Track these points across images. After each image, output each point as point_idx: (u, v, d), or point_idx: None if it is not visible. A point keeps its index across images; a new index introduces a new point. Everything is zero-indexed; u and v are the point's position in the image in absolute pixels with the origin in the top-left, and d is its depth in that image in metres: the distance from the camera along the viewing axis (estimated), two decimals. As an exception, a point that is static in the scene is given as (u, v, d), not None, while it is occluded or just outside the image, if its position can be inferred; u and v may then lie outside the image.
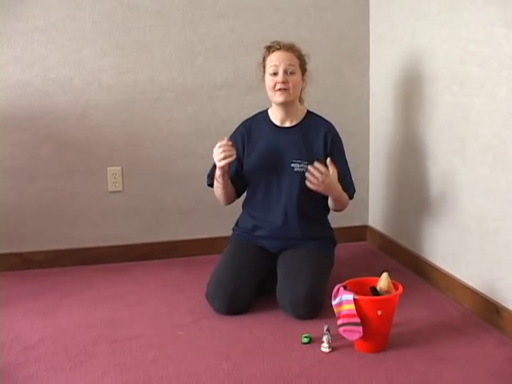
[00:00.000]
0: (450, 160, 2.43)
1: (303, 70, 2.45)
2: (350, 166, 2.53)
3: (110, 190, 2.96)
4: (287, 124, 2.50)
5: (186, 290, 2.58)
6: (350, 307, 1.96)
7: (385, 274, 2.05)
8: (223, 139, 2.36)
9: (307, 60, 2.47)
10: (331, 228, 2.61)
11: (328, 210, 2.56)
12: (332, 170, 2.31)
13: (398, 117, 2.86)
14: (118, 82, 2.89)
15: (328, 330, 2.02)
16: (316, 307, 2.26)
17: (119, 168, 2.95)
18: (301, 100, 2.54)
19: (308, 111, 2.53)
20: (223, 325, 2.23)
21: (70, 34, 2.81)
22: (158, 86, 2.93)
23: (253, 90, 2.92)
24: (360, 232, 3.24)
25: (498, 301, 2.15)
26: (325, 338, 2.01)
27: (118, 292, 2.59)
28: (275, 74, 2.40)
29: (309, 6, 3.01)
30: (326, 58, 3.04)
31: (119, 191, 2.97)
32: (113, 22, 2.84)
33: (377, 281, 2.07)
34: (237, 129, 2.57)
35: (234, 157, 2.35)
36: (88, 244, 2.97)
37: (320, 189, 2.31)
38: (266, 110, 2.56)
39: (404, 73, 2.77)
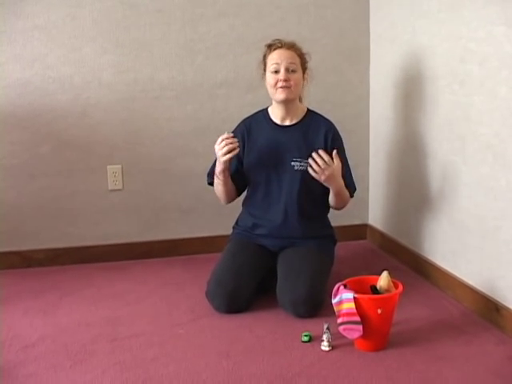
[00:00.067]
0: (450, 159, 2.43)
1: (304, 68, 2.45)
2: (350, 164, 2.53)
3: (109, 188, 2.96)
4: (287, 122, 2.50)
5: (186, 289, 2.58)
6: (350, 306, 1.96)
7: (385, 273, 2.05)
8: (223, 135, 2.36)
9: (308, 58, 2.47)
10: (331, 226, 2.61)
11: (328, 208, 2.56)
12: (336, 162, 2.32)
13: (398, 115, 2.86)
14: (118, 80, 2.89)
15: (328, 328, 2.02)
16: (316, 306, 2.26)
17: (119, 166, 2.95)
18: (300, 99, 2.54)
19: (308, 109, 2.53)
20: (223, 323, 2.23)
21: (69, 32, 2.81)
22: (158, 84, 2.93)
23: (253, 89, 2.92)
24: (360, 230, 3.24)
25: (498, 299, 2.15)
26: (325, 337, 2.02)
27: (117, 290, 2.59)
28: (276, 72, 2.39)
29: (309, 5, 3.01)
30: (326, 56, 3.04)
31: (119, 189, 2.97)
32: (113, 20, 2.84)
33: (377, 279, 2.07)
34: (237, 127, 2.57)
35: (238, 150, 2.35)
36: (88, 242, 2.97)
37: (322, 178, 2.31)
38: (266, 109, 2.55)
39: (404, 71, 2.77)
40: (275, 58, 2.40)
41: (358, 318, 1.95)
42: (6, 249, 2.87)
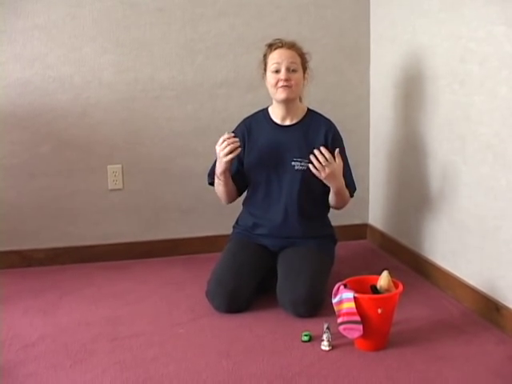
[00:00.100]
0: (450, 158, 2.43)
1: (304, 68, 2.45)
2: (350, 164, 2.53)
3: (110, 188, 2.96)
4: (287, 122, 2.50)
5: (186, 288, 2.58)
6: (350, 305, 1.96)
7: (385, 273, 2.05)
8: (225, 133, 2.37)
9: (308, 58, 2.47)
10: (331, 226, 2.61)
11: (328, 208, 2.56)
12: (338, 161, 2.32)
13: (398, 115, 2.86)
14: (119, 80, 2.89)
15: (328, 328, 2.02)
16: (316, 305, 2.26)
17: (119, 166, 2.95)
18: (300, 98, 2.54)
19: (308, 109, 2.53)
20: (223, 323, 2.23)
21: (70, 32, 2.81)
22: (158, 84, 2.93)
23: (253, 88, 2.92)
24: (360, 230, 3.24)
25: (498, 299, 2.15)
26: (325, 337, 2.02)
27: (118, 290, 2.59)
28: (277, 71, 2.39)
29: (309, 5, 3.00)
30: (326, 56, 3.04)
31: (119, 189, 2.97)
32: (113, 19, 2.84)
33: (377, 279, 2.07)
34: (237, 127, 2.57)
35: (240, 150, 2.35)
36: (88, 242, 2.97)
37: (322, 175, 2.31)
38: (267, 108, 2.55)
39: (404, 71, 2.77)
40: (276, 58, 2.40)
41: (358, 318, 1.95)
42: (6, 248, 2.88)
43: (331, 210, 2.58)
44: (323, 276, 2.38)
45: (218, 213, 2.97)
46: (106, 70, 2.87)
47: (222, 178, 2.43)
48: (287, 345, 2.05)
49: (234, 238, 2.57)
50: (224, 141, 2.34)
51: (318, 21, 3.02)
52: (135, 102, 2.92)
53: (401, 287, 2.02)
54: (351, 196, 2.53)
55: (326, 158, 2.28)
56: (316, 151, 2.29)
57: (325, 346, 2.01)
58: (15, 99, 2.81)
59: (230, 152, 2.33)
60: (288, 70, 2.38)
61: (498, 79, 2.09)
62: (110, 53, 2.86)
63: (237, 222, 2.62)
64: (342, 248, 2.78)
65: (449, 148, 2.43)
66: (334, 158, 2.32)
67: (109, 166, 2.94)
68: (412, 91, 2.71)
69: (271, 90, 2.43)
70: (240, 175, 2.52)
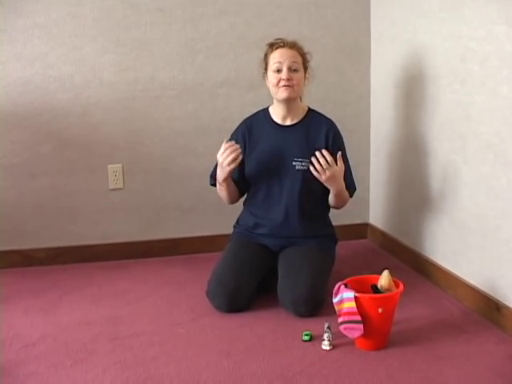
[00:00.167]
0: (450, 158, 2.43)
1: (305, 67, 2.45)
2: (350, 163, 2.53)
3: (110, 187, 2.96)
4: (288, 122, 2.50)
5: (187, 288, 2.58)
6: (350, 305, 1.96)
7: (386, 272, 2.05)
8: (224, 141, 2.36)
9: (309, 58, 2.47)
10: (332, 226, 2.61)
11: (329, 208, 2.56)
12: (340, 165, 2.32)
13: (399, 115, 2.86)
14: (119, 79, 2.89)
15: (329, 327, 2.02)
16: (317, 305, 2.26)
17: (120, 166, 2.95)
18: (300, 98, 2.54)
19: (309, 109, 2.53)
20: (224, 322, 2.23)
21: (70, 31, 2.81)
22: (158, 83, 2.93)
23: (254, 88, 2.92)
24: (361, 230, 3.24)
25: (499, 299, 2.15)
26: (325, 336, 2.01)
27: (118, 289, 2.59)
28: (279, 70, 2.39)
29: (310, 4, 3.00)
30: (326, 55, 3.03)
31: (120, 189, 2.97)
32: (113, 19, 2.83)
33: (378, 279, 2.06)
34: (238, 127, 2.57)
35: (241, 157, 2.34)
36: (88, 241, 2.97)
37: (323, 177, 2.31)
38: (267, 108, 2.55)
39: (405, 71, 2.76)
40: (277, 57, 2.39)
41: (358, 318, 1.95)
42: (6, 247, 2.88)
43: (332, 209, 2.57)
44: (324, 275, 2.38)
45: (219, 212, 2.97)
46: (107, 70, 2.87)
47: (224, 184, 2.43)
48: (288, 344, 2.05)
49: (234, 237, 2.57)
50: (225, 149, 2.33)
51: (319, 20, 3.02)
52: (136, 101, 2.92)
53: (401, 287, 2.02)
54: (351, 196, 2.53)
55: (327, 161, 2.28)
56: (317, 153, 2.29)
57: (325, 345, 2.01)
58: (16, 98, 2.81)
59: (233, 160, 2.33)
60: (290, 69, 2.38)
61: (498, 78, 2.09)
62: (111, 52, 2.86)
63: (237, 222, 2.62)
64: (342, 247, 2.78)
65: (449, 147, 2.43)
66: (336, 160, 2.31)
67: (109, 166, 2.94)
68: (412, 91, 2.71)
69: (272, 89, 2.43)
70: (242, 178, 2.51)
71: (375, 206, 3.19)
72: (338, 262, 2.61)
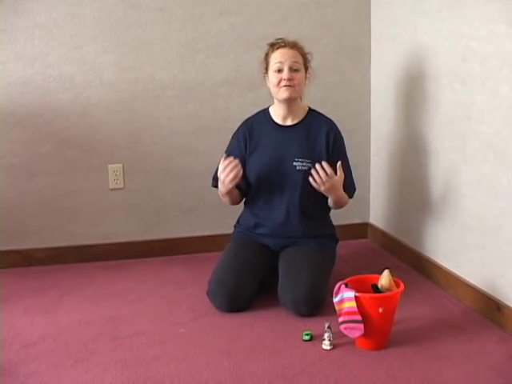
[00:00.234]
0: (451, 158, 2.42)
1: (306, 67, 2.45)
2: (351, 163, 2.53)
3: (110, 187, 2.96)
4: (289, 122, 2.49)
5: (187, 288, 2.58)
6: (351, 305, 1.96)
7: (386, 272, 2.05)
8: (222, 157, 2.34)
9: (310, 58, 2.46)
10: (333, 225, 2.61)
11: (329, 207, 2.55)
12: (339, 174, 2.31)
13: (399, 115, 2.86)
14: (119, 79, 2.89)
15: (329, 327, 2.02)
16: (317, 305, 2.26)
17: (120, 165, 2.95)
18: (301, 98, 2.53)
19: (310, 109, 2.53)
20: (224, 322, 2.23)
21: (70, 31, 2.80)
22: (158, 83, 2.93)
23: (254, 88, 2.92)
24: (361, 229, 3.24)
25: (500, 298, 2.15)
26: (326, 336, 2.01)
27: (118, 289, 2.59)
28: (280, 70, 2.39)
29: (310, 4, 3.00)
30: (327, 55, 3.03)
31: (120, 188, 2.97)
32: (114, 18, 2.83)
33: (378, 278, 2.06)
34: (238, 128, 2.56)
35: (242, 172, 2.34)
36: (89, 241, 2.97)
37: (322, 188, 2.31)
38: (267, 108, 2.55)
39: (405, 70, 2.76)
40: (278, 57, 2.39)
41: (359, 317, 1.95)
42: (6, 247, 2.87)
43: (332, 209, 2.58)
44: (324, 275, 2.38)
45: (219, 212, 2.97)
46: (107, 69, 2.87)
47: (227, 195, 2.43)
48: (288, 344, 2.05)
49: (235, 237, 2.57)
50: (225, 167, 2.32)
51: (319, 20, 3.02)
52: (136, 101, 2.92)
53: (402, 286, 2.02)
54: (351, 197, 2.53)
55: (326, 173, 2.28)
56: (318, 166, 2.28)
57: (326, 345, 2.01)
58: (16, 98, 2.80)
59: (234, 177, 2.32)
60: (291, 69, 2.38)
61: (499, 78, 2.09)
62: (111, 52, 2.86)
63: (238, 222, 2.62)
64: (343, 247, 2.77)
65: (450, 147, 2.43)
66: (335, 168, 2.30)
67: (109, 166, 2.94)
68: (413, 90, 2.71)
69: (273, 89, 2.43)
70: (244, 181, 2.48)
71: (376, 206, 3.19)
72: (339, 261, 2.61)
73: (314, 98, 2.68)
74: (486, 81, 2.16)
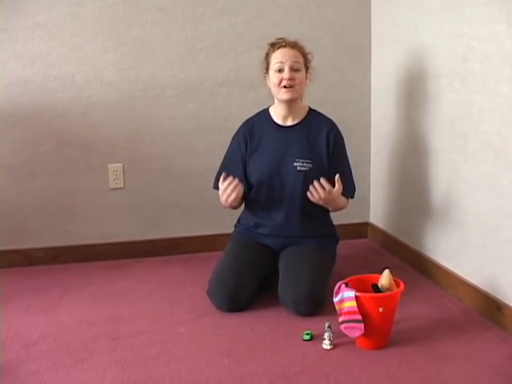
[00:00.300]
0: (451, 157, 2.42)
1: (307, 67, 2.45)
2: (351, 163, 2.53)
3: (111, 187, 2.96)
4: (289, 122, 2.49)
5: (187, 287, 2.58)
6: (351, 304, 1.96)
7: (386, 271, 2.05)
8: (221, 177, 2.34)
9: (310, 58, 2.46)
10: (333, 225, 2.61)
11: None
12: (338, 186, 2.31)
13: (400, 114, 2.86)
14: (120, 78, 2.89)
15: (329, 327, 2.02)
16: (317, 304, 2.26)
17: (120, 165, 2.95)
18: (301, 98, 2.53)
19: (310, 109, 2.53)
20: (224, 322, 2.23)
21: (71, 31, 2.81)
22: (159, 82, 2.93)
23: (254, 87, 2.92)
24: (361, 229, 3.24)
25: (500, 298, 2.15)
26: (326, 335, 2.01)
27: (119, 289, 2.59)
28: (280, 70, 2.38)
29: (310, 3, 3.00)
30: (327, 55, 3.03)
31: (120, 188, 2.97)
32: (114, 18, 2.83)
33: (378, 278, 2.06)
34: (239, 129, 2.56)
35: (242, 190, 2.35)
36: (89, 241, 2.97)
37: (320, 202, 2.32)
38: (267, 109, 2.55)
39: (405, 70, 2.76)
40: (279, 57, 2.39)
41: (359, 317, 1.94)
42: (7, 247, 2.88)
43: (332, 209, 2.58)
44: (324, 275, 2.38)
45: (219, 212, 2.95)
46: (107, 69, 2.87)
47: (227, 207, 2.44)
48: (288, 343, 2.05)
49: (235, 237, 2.57)
50: (225, 188, 2.32)
51: (319, 19, 3.02)
52: (136, 100, 2.92)
53: (402, 286, 2.02)
54: (351, 197, 2.53)
55: (324, 189, 2.28)
56: (316, 184, 2.28)
57: (326, 344, 2.01)
58: (16, 98, 2.80)
59: (236, 197, 2.33)
60: (291, 69, 2.38)
61: (499, 78, 2.09)
62: (111, 51, 2.86)
63: (238, 221, 2.62)
64: (343, 247, 2.77)
65: (450, 147, 2.43)
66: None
67: (110, 165, 2.94)
68: (413, 90, 2.71)
69: (274, 89, 2.43)
70: (244, 187, 2.45)
71: (376, 206, 3.19)
72: (339, 261, 2.61)
73: (314, 98, 2.68)
74: (487, 80, 2.16)
